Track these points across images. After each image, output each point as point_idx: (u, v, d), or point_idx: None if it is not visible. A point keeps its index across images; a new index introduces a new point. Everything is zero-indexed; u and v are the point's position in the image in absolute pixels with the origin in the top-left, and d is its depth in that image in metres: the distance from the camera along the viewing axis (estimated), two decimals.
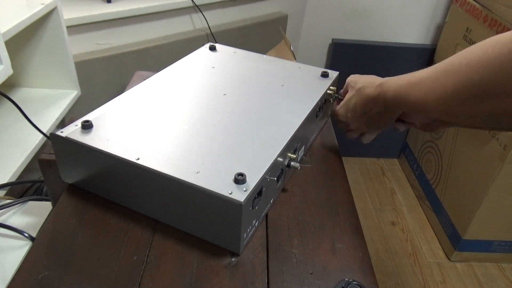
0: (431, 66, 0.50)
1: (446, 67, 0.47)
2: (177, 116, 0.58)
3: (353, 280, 0.46)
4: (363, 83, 0.62)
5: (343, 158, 0.68)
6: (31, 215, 0.67)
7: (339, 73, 0.74)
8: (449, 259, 1.45)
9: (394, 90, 0.55)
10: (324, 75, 0.73)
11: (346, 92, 0.67)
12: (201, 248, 0.50)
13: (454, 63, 0.46)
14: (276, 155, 0.51)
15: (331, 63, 1.73)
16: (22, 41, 0.99)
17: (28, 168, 0.86)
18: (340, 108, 0.66)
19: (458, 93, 0.44)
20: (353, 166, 1.88)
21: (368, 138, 0.68)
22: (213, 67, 0.73)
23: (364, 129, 0.66)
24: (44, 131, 0.83)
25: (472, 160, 1.34)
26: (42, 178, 0.61)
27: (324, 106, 0.70)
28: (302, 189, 0.60)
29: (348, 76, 0.67)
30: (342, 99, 0.67)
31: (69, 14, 1.07)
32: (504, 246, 1.40)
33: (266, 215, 0.55)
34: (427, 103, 0.49)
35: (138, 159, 0.49)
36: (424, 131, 0.70)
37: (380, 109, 0.59)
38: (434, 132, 1.59)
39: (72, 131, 0.53)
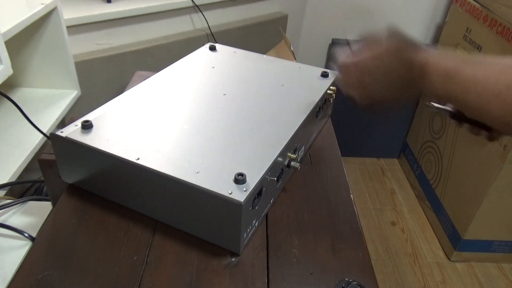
0: (493, 58, 0.41)
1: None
2: (177, 116, 0.58)
3: (353, 280, 0.46)
4: (400, 42, 0.48)
5: (343, 158, 0.68)
6: (31, 215, 0.67)
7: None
8: (449, 259, 1.45)
9: (443, 77, 0.43)
10: (324, 75, 0.73)
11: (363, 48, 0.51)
12: (201, 248, 0.49)
13: None
14: (276, 155, 0.51)
15: (331, 63, 1.73)
16: (22, 41, 0.99)
17: (28, 168, 0.86)
18: (363, 65, 0.50)
19: None
20: (353, 166, 1.87)
21: (382, 107, 0.53)
22: (213, 67, 0.73)
23: (380, 97, 0.51)
24: (44, 131, 0.83)
25: (472, 160, 1.34)
26: (42, 178, 0.61)
27: (324, 106, 0.70)
28: (302, 189, 0.60)
29: None
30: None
31: (69, 14, 1.07)
32: (504, 246, 1.40)
33: (266, 215, 0.55)
34: (489, 112, 0.40)
35: (138, 159, 0.49)
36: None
37: (416, 85, 0.47)
38: (434, 132, 1.59)
39: (72, 131, 0.53)
